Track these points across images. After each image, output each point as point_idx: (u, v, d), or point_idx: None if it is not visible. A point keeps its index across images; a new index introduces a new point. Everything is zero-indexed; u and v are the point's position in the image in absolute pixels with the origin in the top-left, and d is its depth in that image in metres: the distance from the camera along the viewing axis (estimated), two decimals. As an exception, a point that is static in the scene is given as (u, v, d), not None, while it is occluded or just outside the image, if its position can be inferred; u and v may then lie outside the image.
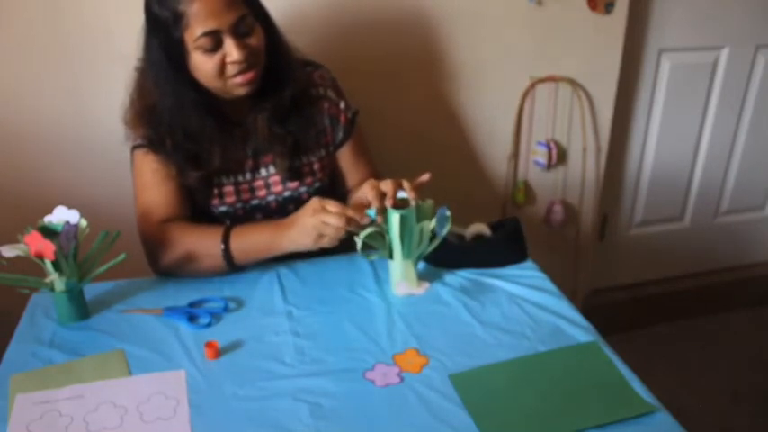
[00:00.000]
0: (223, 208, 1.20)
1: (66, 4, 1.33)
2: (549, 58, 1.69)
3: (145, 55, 1.10)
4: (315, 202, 1.03)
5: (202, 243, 1.10)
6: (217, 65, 1.05)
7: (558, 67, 1.70)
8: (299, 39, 1.22)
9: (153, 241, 1.12)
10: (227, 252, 1.09)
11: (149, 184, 1.15)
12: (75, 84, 1.39)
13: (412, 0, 1.52)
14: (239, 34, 1.05)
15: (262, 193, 1.22)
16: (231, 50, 1.04)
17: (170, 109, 1.10)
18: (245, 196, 1.21)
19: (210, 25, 1.01)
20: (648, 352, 2.04)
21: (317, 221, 1.02)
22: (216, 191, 1.19)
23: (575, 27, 1.67)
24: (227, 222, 1.16)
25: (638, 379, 0.90)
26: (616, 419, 0.82)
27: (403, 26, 1.54)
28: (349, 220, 1.02)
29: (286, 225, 1.07)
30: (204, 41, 1.02)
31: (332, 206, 1.02)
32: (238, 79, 1.07)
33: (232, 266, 1.11)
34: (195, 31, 1.02)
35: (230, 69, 1.06)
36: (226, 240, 1.09)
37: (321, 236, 1.02)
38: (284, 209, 1.22)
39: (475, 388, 0.88)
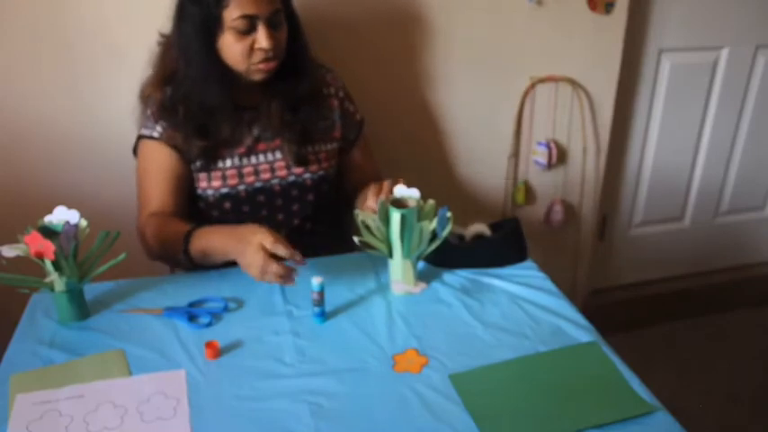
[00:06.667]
0: (225, 190, 1.23)
1: (66, 4, 1.33)
2: (549, 58, 1.69)
3: (176, 24, 1.15)
4: (265, 236, 0.99)
5: (171, 240, 1.13)
6: (245, 48, 1.12)
7: (558, 67, 1.70)
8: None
9: (140, 231, 1.19)
10: (186, 254, 1.10)
11: (149, 173, 1.21)
12: (76, 84, 1.39)
13: (411, 0, 1.53)
14: (272, 25, 1.12)
15: (266, 176, 1.25)
16: (262, 38, 1.11)
17: (193, 78, 1.15)
18: (249, 179, 1.24)
19: (250, 10, 1.09)
20: (648, 352, 2.04)
21: (264, 263, 0.97)
22: (219, 173, 1.22)
23: (575, 27, 1.67)
24: (191, 226, 1.12)
25: (638, 379, 0.90)
26: (616, 419, 0.82)
27: (402, 26, 1.54)
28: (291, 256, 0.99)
29: (235, 241, 1.03)
30: (240, 23, 1.10)
31: (281, 249, 0.98)
32: (261, 66, 1.15)
33: (195, 266, 1.13)
34: (234, 12, 1.09)
35: (257, 55, 1.13)
36: (186, 242, 1.10)
37: (264, 274, 0.98)
38: (287, 193, 1.26)
39: (475, 388, 0.88)
